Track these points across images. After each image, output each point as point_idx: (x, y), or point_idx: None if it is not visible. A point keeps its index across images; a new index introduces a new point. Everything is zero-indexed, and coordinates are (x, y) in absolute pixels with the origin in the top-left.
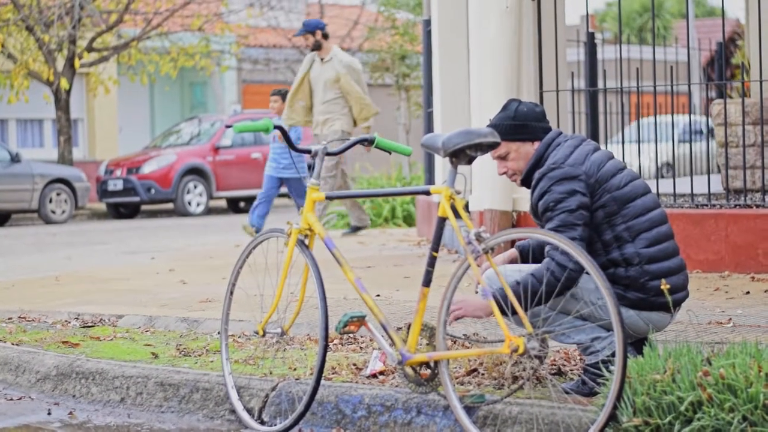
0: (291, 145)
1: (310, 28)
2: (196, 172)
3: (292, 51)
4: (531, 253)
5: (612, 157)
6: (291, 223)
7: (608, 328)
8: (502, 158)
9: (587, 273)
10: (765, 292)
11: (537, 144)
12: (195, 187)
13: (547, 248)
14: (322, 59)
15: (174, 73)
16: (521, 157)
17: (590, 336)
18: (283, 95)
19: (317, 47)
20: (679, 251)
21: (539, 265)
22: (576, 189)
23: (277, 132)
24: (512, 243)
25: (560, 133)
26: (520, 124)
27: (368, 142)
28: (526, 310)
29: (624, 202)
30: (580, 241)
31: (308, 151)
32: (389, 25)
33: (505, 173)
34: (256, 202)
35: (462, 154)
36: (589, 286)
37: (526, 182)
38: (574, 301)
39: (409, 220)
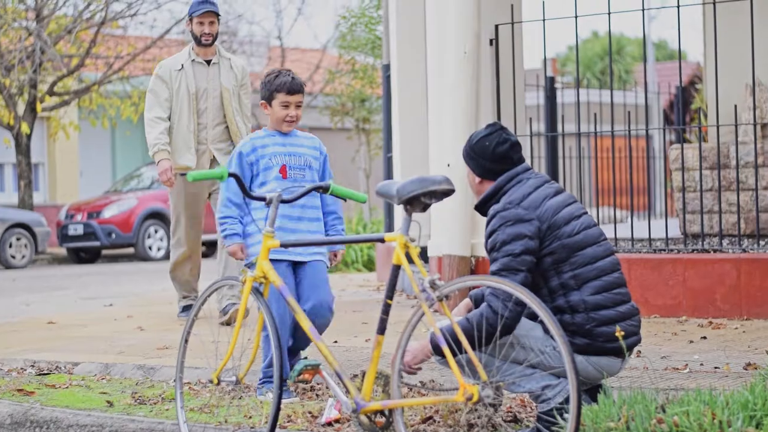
0: (245, 191)
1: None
2: (157, 216)
3: (252, 95)
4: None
5: (572, 203)
6: (246, 271)
7: (559, 376)
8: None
9: (539, 321)
10: (721, 337)
11: (485, 182)
12: (156, 231)
13: (487, 293)
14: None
15: (135, 117)
16: (470, 181)
17: (541, 384)
18: None
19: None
20: (631, 298)
21: (476, 310)
22: (524, 233)
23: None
24: (469, 290)
25: (528, 169)
26: (471, 154)
27: (323, 190)
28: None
29: (574, 250)
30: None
31: (263, 199)
32: (349, 68)
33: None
34: None
35: (416, 202)
36: (537, 334)
37: (480, 209)
38: (523, 351)
39: (369, 265)
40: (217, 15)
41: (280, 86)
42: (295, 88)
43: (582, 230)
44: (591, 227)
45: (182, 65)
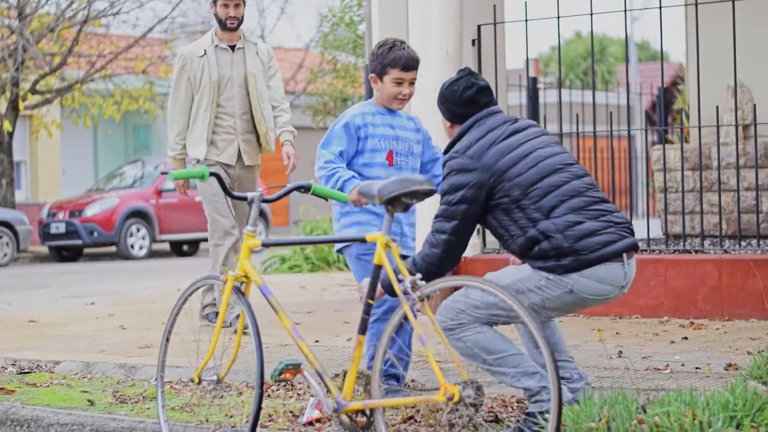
0: (226, 190)
1: None
2: (139, 215)
3: None
4: None
5: (526, 141)
6: (227, 270)
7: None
8: None
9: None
10: (703, 337)
11: (455, 126)
12: (138, 230)
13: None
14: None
15: (117, 116)
16: (444, 126)
17: (540, 384)
18: None
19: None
20: (615, 210)
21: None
22: (464, 183)
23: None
24: (451, 291)
25: (493, 113)
26: (441, 99)
27: (305, 189)
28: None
29: (527, 186)
30: (451, 235)
31: (244, 198)
32: (331, 67)
33: None
34: None
35: (398, 202)
36: (526, 273)
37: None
38: (522, 295)
39: None
40: None
41: (395, 61)
42: (411, 64)
43: (536, 164)
44: (550, 157)
45: (205, 51)
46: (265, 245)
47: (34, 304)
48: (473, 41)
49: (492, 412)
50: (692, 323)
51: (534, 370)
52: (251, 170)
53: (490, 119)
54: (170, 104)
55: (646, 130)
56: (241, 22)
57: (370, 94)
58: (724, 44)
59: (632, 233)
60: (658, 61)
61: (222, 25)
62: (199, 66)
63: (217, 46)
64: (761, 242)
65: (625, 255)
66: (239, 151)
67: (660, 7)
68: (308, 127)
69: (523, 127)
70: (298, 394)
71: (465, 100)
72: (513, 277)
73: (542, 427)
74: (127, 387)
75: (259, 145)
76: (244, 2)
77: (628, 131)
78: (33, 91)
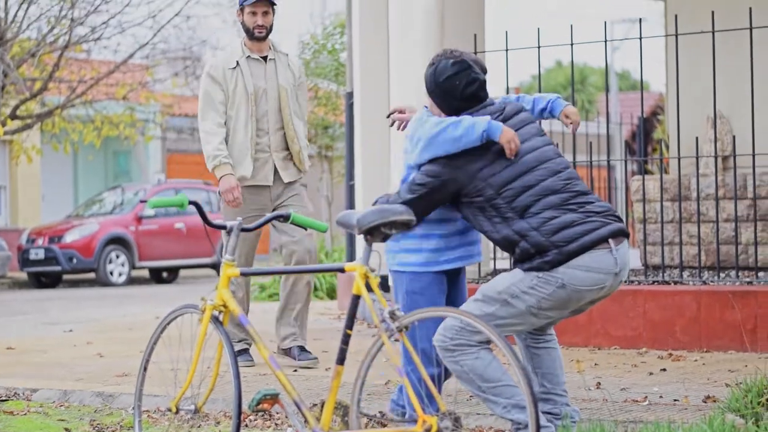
0: (206, 219)
1: None
2: (118, 241)
3: None
4: None
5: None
6: (205, 299)
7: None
8: None
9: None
10: (681, 369)
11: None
12: (117, 256)
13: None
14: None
15: (98, 142)
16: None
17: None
18: None
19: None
20: (598, 200)
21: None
22: (435, 173)
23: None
24: (435, 321)
25: (484, 107)
26: (438, 92)
27: (284, 219)
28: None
29: (500, 186)
30: (404, 204)
31: (223, 227)
32: (312, 95)
33: None
34: None
35: (377, 232)
36: (518, 276)
37: None
38: (517, 299)
39: (331, 293)
40: (273, 4)
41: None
42: None
43: (511, 163)
44: (527, 154)
45: (237, 62)
46: (244, 274)
47: (12, 331)
48: None
49: None
50: (671, 354)
51: (524, 405)
52: (293, 187)
53: (476, 114)
54: (202, 117)
55: (625, 161)
56: (269, 31)
57: (351, 122)
58: (703, 75)
59: (618, 219)
60: (638, 91)
61: (249, 34)
62: (232, 78)
63: (249, 56)
64: (740, 274)
65: (612, 241)
66: (275, 169)
67: (640, 38)
68: None
69: (509, 116)
70: (276, 424)
71: (468, 95)
72: (506, 282)
73: None
74: (105, 416)
75: (293, 164)
76: (273, 10)
77: (608, 161)
78: (13, 116)
